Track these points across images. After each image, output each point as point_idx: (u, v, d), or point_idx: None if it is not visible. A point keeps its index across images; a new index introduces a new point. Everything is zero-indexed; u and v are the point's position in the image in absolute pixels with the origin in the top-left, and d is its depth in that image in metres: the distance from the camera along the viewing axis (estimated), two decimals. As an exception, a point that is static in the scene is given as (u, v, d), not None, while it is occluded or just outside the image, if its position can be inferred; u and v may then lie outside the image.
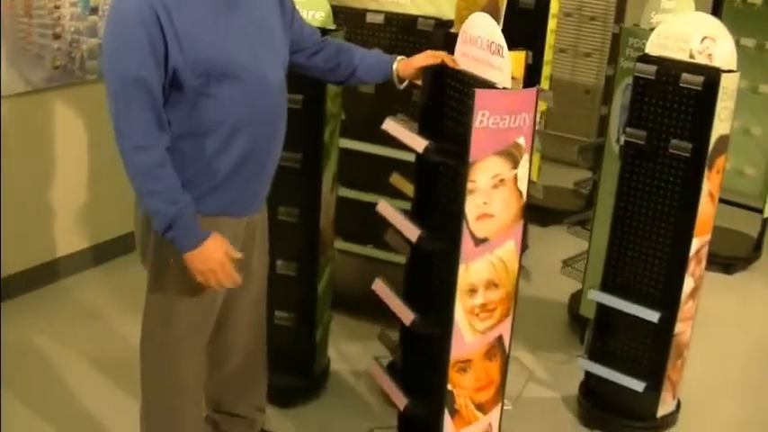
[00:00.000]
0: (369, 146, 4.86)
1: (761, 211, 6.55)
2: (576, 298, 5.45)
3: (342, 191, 4.77)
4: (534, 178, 6.22)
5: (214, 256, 3.22)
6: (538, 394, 4.78)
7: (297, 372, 4.54)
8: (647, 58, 4.22)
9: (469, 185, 3.20)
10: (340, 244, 5.00)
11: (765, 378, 5.21)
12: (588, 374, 4.63)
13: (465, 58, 3.39)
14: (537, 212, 6.81)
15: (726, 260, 6.49)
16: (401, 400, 3.55)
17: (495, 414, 3.59)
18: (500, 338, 3.45)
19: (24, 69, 5.11)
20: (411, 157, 3.69)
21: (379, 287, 3.66)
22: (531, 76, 4.13)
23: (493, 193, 3.23)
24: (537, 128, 5.91)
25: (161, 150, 3.10)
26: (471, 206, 3.22)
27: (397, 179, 3.88)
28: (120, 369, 4.54)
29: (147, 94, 3.05)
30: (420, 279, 3.67)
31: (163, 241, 3.26)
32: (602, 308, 4.50)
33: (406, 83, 3.65)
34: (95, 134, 5.61)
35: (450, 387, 3.44)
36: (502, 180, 3.23)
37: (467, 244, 3.26)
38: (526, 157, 3.25)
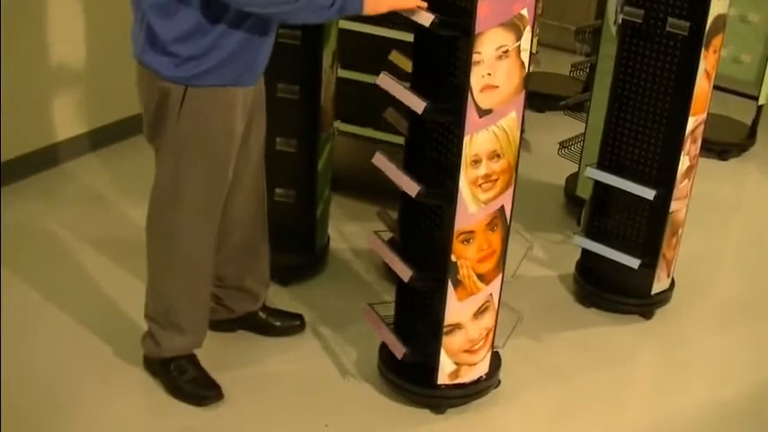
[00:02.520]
0: (367, 26, 4.85)
1: (756, 99, 6.56)
2: (573, 180, 5.49)
3: (341, 72, 4.78)
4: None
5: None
6: (535, 273, 4.85)
7: (297, 249, 4.59)
8: (646, -63, 4.21)
9: (475, 57, 3.22)
10: (339, 125, 5.02)
11: (758, 259, 5.29)
12: (584, 253, 4.69)
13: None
14: (533, 98, 6.82)
15: (720, 146, 6.52)
16: (405, 272, 3.59)
17: (495, 285, 3.66)
18: (502, 209, 3.51)
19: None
20: (410, 38, 3.69)
21: (379, 160, 3.68)
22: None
23: (497, 64, 3.25)
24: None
25: None
26: (476, 78, 3.25)
27: (396, 56, 3.89)
28: (125, 250, 4.59)
29: None
30: (419, 155, 3.70)
31: (180, 115, 3.36)
32: (598, 186, 4.54)
33: None
34: (93, 14, 5.59)
35: (453, 258, 3.50)
36: (506, 51, 3.25)
37: (471, 115, 3.29)
38: (528, 28, 3.27)
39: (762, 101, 6.53)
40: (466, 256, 3.52)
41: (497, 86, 3.29)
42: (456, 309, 3.61)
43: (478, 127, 3.32)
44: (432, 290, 3.64)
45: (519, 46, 3.27)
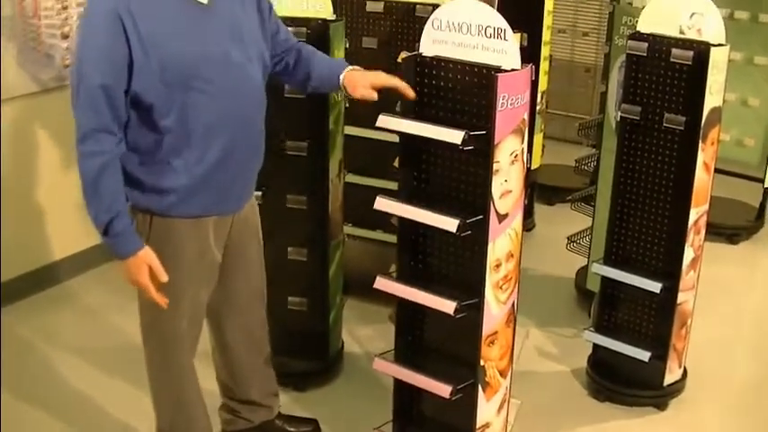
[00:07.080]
0: (372, 132, 4.93)
1: (761, 181, 6.61)
2: (583, 273, 5.52)
3: (348, 177, 4.86)
4: (538, 158, 6.34)
5: (134, 278, 3.29)
6: (548, 368, 4.87)
7: (311, 356, 4.64)
8: (638, 36, 4.30)
9: (495, 166, 3.34)
10: (349, 229, 5.10)
11: (770, 343, 5.31)
12: (596, 347, 4.71)
13: (440, 45, 3.46)
14: (543, 191, 6.91)
15: (729, 230, 6.53)
16: (443, 389, 3.61)
17: (509, 377, 3.76)
18: (514, 304, 3.62)
19: (35, 69, 5.24)
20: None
21: (404, 291, 3.72)
22: (527, 56, 4.23)
23: (510, 169, 3.38)
24: (538, 108, 6.02)
25: (110, 156, 3.17)
26: (496, 186, 3.36)
27: (401, 162, 3.97)
28: (133, 366, 4.61)
29: (107, 100, 3.12)
30: (412, 257, 3.80)
31: (149, 241, 3.32)
32: (605, 281, 4.59)
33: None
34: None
35: (482, 362, 3.58)
36: (516, 156, 3.38)
37: (493, 223, 3.40)
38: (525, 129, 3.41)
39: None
40: (491, 358, 3.60)
41: (512, 191, 3.41)
42: (485, 409, 3.68)
43: (499, 233, 3.43)
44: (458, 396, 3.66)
45: (523, 149, 3.39)
